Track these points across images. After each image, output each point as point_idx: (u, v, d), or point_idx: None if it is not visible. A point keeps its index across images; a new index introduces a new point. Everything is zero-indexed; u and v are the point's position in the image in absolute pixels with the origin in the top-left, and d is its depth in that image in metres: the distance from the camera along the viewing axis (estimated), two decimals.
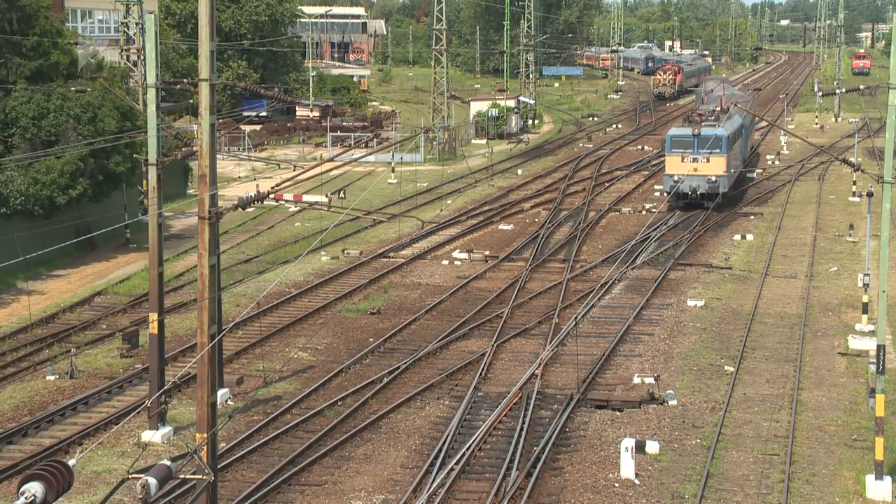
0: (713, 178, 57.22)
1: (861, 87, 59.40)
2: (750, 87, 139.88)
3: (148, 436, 28.09)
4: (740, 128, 64.13)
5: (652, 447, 27.36)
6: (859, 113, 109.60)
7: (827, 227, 56.01)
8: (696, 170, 57.27)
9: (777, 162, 78.43)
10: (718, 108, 64.71)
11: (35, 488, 12.52)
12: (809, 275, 45.94)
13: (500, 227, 56.08)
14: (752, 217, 58.69)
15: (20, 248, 41.42)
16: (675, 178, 57.57)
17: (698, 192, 57.23)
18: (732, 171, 60.57)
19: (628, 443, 26.04)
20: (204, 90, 18.94)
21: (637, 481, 25.67)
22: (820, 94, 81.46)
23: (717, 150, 57.02)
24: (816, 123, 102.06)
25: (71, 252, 48.74)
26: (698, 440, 28.27)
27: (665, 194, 59.66)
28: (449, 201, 63.67)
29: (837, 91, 70.88)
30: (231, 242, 52.00)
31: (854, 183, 65.80)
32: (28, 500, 12.40)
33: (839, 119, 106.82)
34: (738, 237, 53.30)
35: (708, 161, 57.15)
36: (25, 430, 28.67)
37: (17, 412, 30.31)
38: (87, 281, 45.49)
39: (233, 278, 44.40)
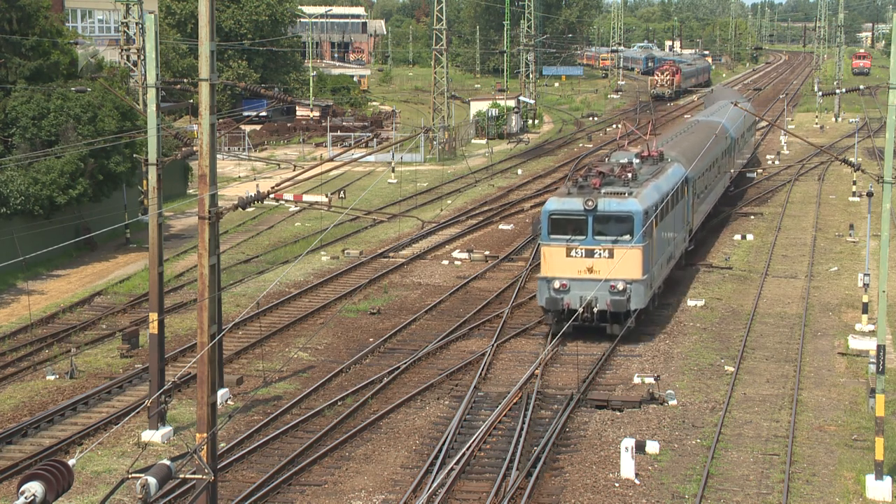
0: (620, 286, 34.89)
1: (861, 87, 59.34)
2: (750, 86, 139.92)
3: (148, 436, 28.09)
4: (679, 188, 41.37)
5: (652, 447, 27.36)
6: (859, 113, 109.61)
7: (827, 226, 56.01)
8: (590, 270, 35.14)
9: (777, 162, 78.45)
10: (636, 160, 41.91)
11: (35, 488, 12.53)
12: (809, 275, 45.94)
13: (501, 226, 56.07)
14: (752, 217, 58.68)
15: (20, 247, 41.42)
16: (557, 284, 35.31)
17: (594, 310, 35.20)
18: (658, 270, 38.10)
19: (628, 443, 26.04)
20: (204, 90, 18.95)
21: (637, 481, 25.67)
22: (820, 94, 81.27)
23: (627, 238, 35.05)
24: (816, 123, 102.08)
25: (71, 252, 48.75)
26: (698, 440, 28.27)
27: (542, 311, 37.20)
28: (449, 201, 63.67)
29: (837, 91, 70.80)
30: (231, 242, 52.01)
31: (854, 183, 65.82)
32: (28, 500, 12.41)
33: (839, 119, 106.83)
34: (738, 237, 53.31)
35: (611, 256, 35.10)
36: (25, 430, 28.68)
37: (16, 412, 30.32)
38: (87, 281, 45.49)
39: (233, 278, 44.41)
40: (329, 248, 50.91)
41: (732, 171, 60.85)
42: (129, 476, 17.09)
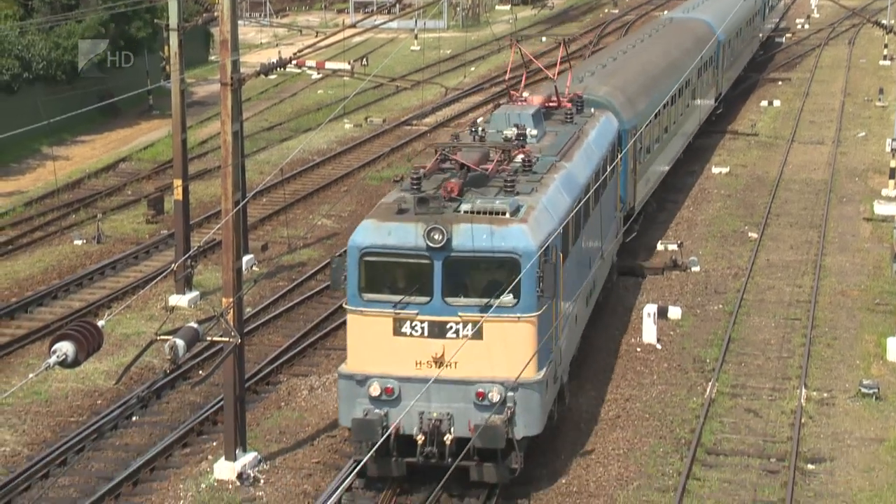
0: (494, 395, 18.25)
1: None
2: None
3: (175, 300, 28.46)
4: (607, 159, 25.60)
5: (674, 313, 27.53)
6: None
7: (856, 91, 55.26)
8: (438, 363, 18.36)
9: (807, 26, 77.05)
10: (534, 127, 23.89)
11: (66, 347, 12.75)
12: (836, 140, 45.53)
13: (524, 94, 55.46)
14: (780, 83, 57.90)
15: (44, 111, 41.41)
16: (376, 388, 18.55)
17: (445, 437, 18.19)
18: (568, 339, 21.50)
19: (651, 308, 26.21)
20: None
21: (659, 346, 25.91)
22: None
23: (509, 300, 18.26)
24: None
25: (94, 117, 48.71)
26: (720, 305, 28.42)
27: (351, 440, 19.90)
28: (472, 68, 63.02)
29: None
30: (253, 110, 51.81)
31: (885, 46, 64.62)
32: (59, 359, 12.65)
33: None
34: (764, 103, 52.69)
35: (478, 335, 18.26)
36: (55, 292, 29.12)
37: (45, 275, 30.73)
38: (112, 147, 45.60)
39: (256, 145, 44.38)
40: (352, 116, 50.69)
41: (720, 88, 44.73)
42: (157, 338, 17.38)
